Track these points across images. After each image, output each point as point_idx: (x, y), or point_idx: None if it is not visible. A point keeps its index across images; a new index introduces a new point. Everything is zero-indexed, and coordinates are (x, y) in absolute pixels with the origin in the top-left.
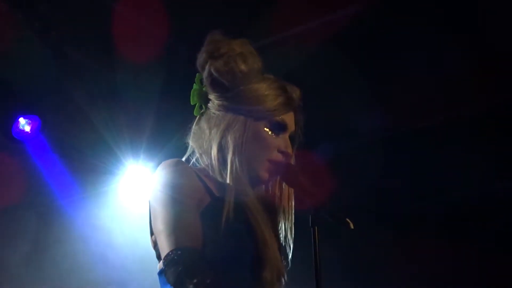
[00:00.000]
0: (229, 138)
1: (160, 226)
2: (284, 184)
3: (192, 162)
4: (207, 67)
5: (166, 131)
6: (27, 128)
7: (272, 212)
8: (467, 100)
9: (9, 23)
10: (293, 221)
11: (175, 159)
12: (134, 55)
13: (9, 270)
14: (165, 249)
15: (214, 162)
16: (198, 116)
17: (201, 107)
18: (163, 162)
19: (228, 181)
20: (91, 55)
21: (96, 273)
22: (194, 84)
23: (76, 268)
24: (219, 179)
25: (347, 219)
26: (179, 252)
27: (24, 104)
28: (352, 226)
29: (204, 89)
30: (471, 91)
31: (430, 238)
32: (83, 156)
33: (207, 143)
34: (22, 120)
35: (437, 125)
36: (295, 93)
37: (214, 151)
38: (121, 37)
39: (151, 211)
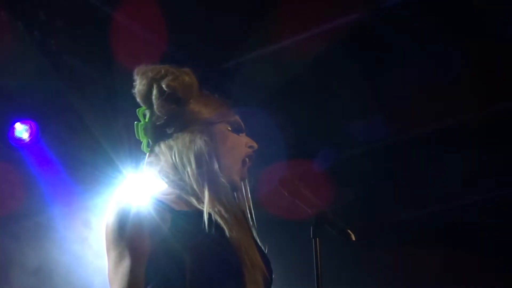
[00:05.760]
0: (200, 144)
1: (107, 270)
2: (246, 186)
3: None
4: (154, 89)
5: None
6: (25, 136)
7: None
8: (465, 107)
9: (8, 31)
10: (254, 220)
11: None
12: (132, 63)
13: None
14: None
15: (189, 173)
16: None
17: (148, 144)
18: (114, 202)
19: (206, 189)
20: (90, 63)
21: (93, 285)
22: (136, 122)
23: (73, 280)
24: (194, 190)
25: (349, 230)
26: None
27: (22, 112)
28: (353, 238)
29: (152, 120)
30: (469, 97)
31: (427, 245)
32: (81, 164)
33: (175, 163)
34: (19, 127)
35: (436, 133)
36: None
37: (187, 165)
38: (119, 46)
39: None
